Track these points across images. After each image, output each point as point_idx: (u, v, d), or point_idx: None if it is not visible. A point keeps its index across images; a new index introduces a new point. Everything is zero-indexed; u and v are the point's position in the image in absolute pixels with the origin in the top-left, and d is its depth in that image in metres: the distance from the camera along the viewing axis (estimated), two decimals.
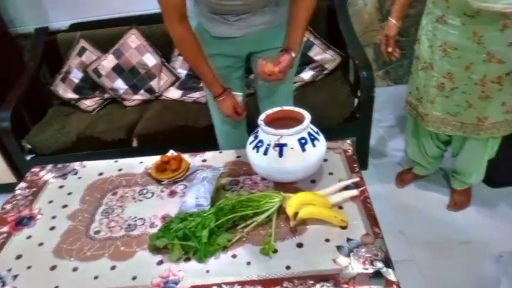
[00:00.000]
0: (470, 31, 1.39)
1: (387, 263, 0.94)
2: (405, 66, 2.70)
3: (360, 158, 1.31)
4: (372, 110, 1.92)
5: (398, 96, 2.58)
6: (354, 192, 1.13)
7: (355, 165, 1.26)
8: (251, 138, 1.20)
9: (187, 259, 1.01)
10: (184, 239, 1.01)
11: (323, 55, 2.20)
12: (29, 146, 2.02)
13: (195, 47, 1.31)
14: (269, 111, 1.22)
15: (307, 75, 2.20)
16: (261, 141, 1.15)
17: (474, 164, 1.75)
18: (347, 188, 1.15)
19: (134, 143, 2.02)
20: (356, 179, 1.18)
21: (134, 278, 0.99)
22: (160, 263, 1.01)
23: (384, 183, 2.06)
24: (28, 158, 2.02)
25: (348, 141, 1.37)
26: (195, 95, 2.18)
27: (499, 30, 1.35)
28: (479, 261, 1.64)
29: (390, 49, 1.66)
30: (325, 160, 1.25)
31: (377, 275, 0.91)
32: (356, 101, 1.98)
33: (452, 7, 1.39)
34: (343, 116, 1.97)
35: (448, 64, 1.50)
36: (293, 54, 1.34)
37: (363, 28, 2.54)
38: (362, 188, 1.15)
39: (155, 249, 1.04)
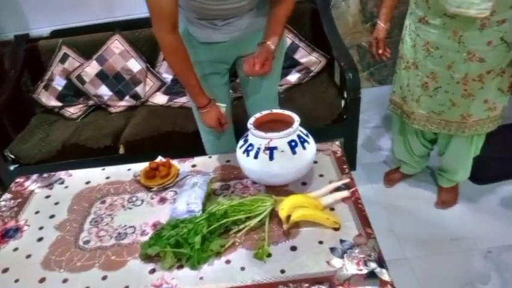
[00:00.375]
0: (451, 31, 1.42)
1: (381, 263, 0.94)
2: (389, 66, 2.73)
3: (348, 159, 1.31)
4: (359, 111, 1.94)
5: (383, 97, 2.59)
6: (345, 193, 1.13)
7: (345, 167, 1.27)
8: (241, 142, 1.19)
9: (180, 266, 1.00)
10: (176, 246, 1.00)
11: (308, 57, 2.21)
12: (12, 156, 1.97)
13: (185, 58, 1.29)
14: (258, 115, 1.21)
15: (293, 77, 2.21)
16: (251, 145, 1.14)
17: (460, 161, 1.78)
18: (337, 189, 1.16)
19: (121, 150, 1.99)
20: (347, 180, 1.18)
21: (126, 287, 0.97)
22: (153, 271, 1.00)
23: (373, 183, 2.08)
24: (11, 168, 1.98)
25: (337, 142, 1.37)
26: (182, 100, 2.16)
27: (478, 29, 1.38)
28: (468, 257, 1.67)
29: (380, 51, 1.71)
30: (315, 162, 1.25)
31: (371, 275, 0.92)
32: (343, 102, 2.00)
33: (432, 8, 1.42)
34: (330, 117, 1.98)
35: (431, 64, 1.53)
36: (272, 46, 1.31)
37: (347, 30, 2.57)
38: (352, 189, 1.15)
39: (147, 258, 1.03)
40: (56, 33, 2.32)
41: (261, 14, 1.34)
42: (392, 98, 1.82)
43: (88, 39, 2.25)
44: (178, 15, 1.20)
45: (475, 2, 1.29)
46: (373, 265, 0.94)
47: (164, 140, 1.96)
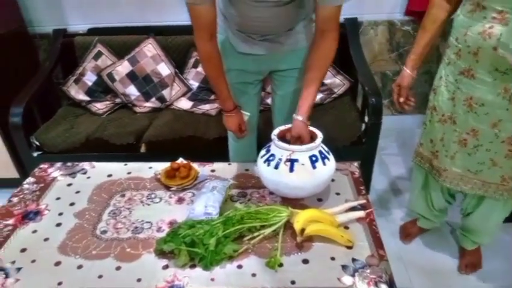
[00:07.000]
0: (501, 87, 1.27)
1: (391, 285, 0.95)
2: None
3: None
4: (379, 136, 1.95)
5: (402, 126, 2.65)
6: (361, 213, 1.14)
7: (361, 188, 1.28)
8: (263, 151, 1.22)
9: (193, 266, 1.02)
10: (191, 245, 1.02)
11: (333, 79, 2.25)
12: (37, 143, 2.02)
13: (218, 66, 1.34)
14: (282, 127, 1.25)
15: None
16: (272, 155, 1.17)
17: (490, 223, 1.61)
18: (353, 209, 1.17)
19: (143, 149, 2.03)
20: (363, 201, 1.20)
21: (139, 280, 0.99)
22: (166, 267, 1.02)
23: (384, 208, 2.08)
24: (35, 154, 2.03)
25: (356, 163, 1.39)
26: (205, 107, 2.21)
27: None
28: None
29: (402, 99, 1.54)
30: (332, 180, 1.27)
31: None
32: (363, 126, 2.02)
33: (481, 61, 1.27)
34: (349, 139, 1.99)
35: (472, 120, 1.37)
36: (303, 121, 1.27)
37: (373, 57, 2.61)
38: (368, 210, 1.16)
39: (161, 254, 1.05)
40: (92, 31, 2.41)
41: (300, 35, 1.38)
42: (419, 150, 1.64)
43: (122, 40, 2.32)
44: (215, 26, 1.26)
45: None
46: (383, 286, 0.94)
47: (185, 143, 1.99)
